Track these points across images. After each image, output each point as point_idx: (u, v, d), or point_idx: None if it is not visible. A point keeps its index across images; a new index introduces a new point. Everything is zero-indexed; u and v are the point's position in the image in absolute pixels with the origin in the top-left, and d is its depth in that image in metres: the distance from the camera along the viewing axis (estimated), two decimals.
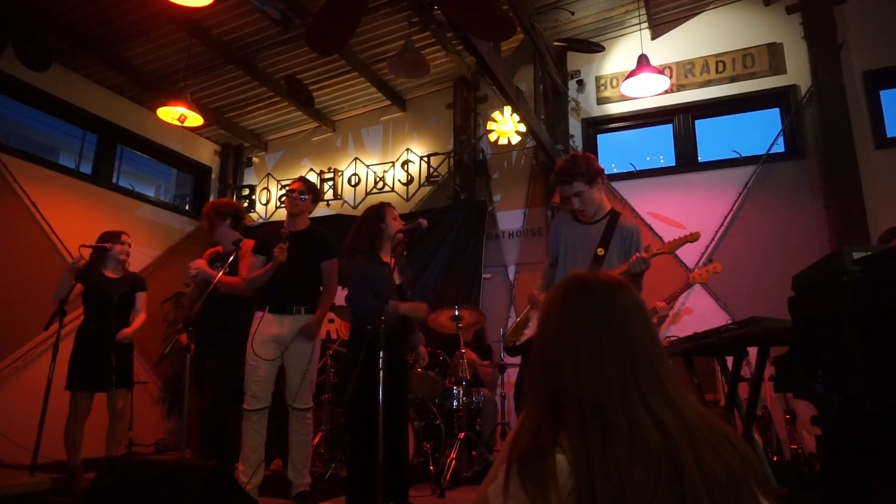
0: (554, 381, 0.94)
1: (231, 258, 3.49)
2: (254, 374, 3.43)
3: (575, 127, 6.06)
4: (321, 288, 3.71)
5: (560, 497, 0.81)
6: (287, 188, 3.77)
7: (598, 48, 5.92)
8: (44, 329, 3.91)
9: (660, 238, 5.26)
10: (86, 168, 6.09)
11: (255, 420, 3.41)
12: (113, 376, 3.93)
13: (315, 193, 3.79)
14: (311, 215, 3.84)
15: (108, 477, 2.23)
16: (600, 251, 2.88)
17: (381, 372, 2.80)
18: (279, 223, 3.73)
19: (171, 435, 6.19)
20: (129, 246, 4.24)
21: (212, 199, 7.37)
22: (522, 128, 5.71)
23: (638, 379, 0.91)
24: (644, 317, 0.99)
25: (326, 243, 3.69)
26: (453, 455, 4.07)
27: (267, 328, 3.48)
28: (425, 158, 6.51)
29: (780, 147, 5.39)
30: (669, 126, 5.88)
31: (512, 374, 5.37)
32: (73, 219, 5.60)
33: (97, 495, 2.19)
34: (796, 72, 5.36)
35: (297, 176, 7.06)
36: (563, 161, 2.98)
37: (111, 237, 4.17)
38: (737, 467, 0.84)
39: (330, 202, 6.84)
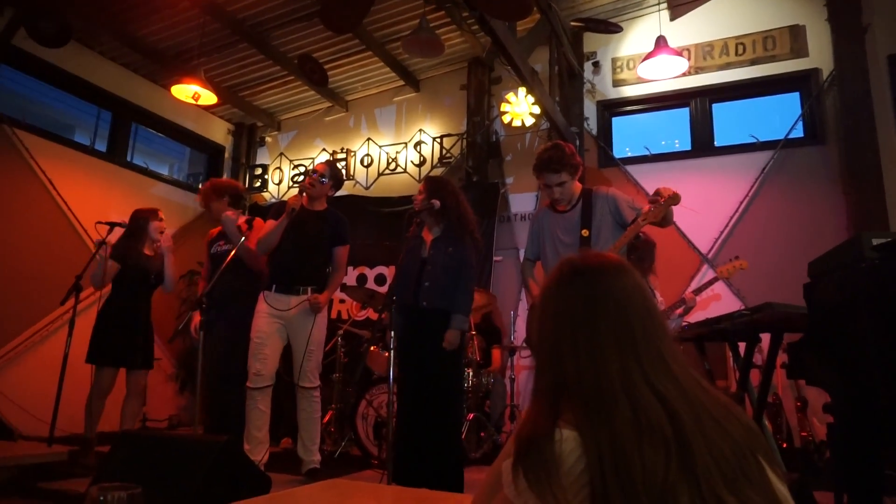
0: (554, 375, 0.93)
1: (244, 236, 3.47)
2: (258, 353, 3.44)
3: (590, 109, 5.99)
4: (329, 270, 3.72)
5: (562, 483, 0.81)
6: (311, 168, 3.76)
7: (615, 29, 5.81)
8: (60, 304, 3.96)
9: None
10: (101, 146, 6.12)
11: (258, 398, 3.42)
12: (138, 355, 3.99)
13: (337, 179, 3.77)
14: None
15: (122, 450, 2.27)
16: (585, 232, 2.91)
17: (392, 352, 2.82)
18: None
19: (183, 410, 6.30)
20: (164, 223, 4.27)
21: (225, 178, 7.40)
22: (536, 109, 5.65)
23: (641, 361, 0.89)
24: (642, 294, 0.97)
25: (341, 228, 3.69)
26: (462, 436, 4.10)
27: (272, 306, 3.50)
28: (438, 139, 6.47)
29: (798, 132, 5.30)
30: (686, 109, 5.79)
31: (519, 358, 5.38)
32: (88, 196, 5.64)
33: (111, 468, 2.23)
34: (818, 55, 5.24)
35: (309, 156, 7.10)
36: (550, 150, 2.97)
37: (147, 213, 4.18)
38: (741, 439, 0.84)
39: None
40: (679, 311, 4.48)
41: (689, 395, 0.87)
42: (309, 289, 3.56)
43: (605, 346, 0.90)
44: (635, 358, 0.89)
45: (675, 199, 2.71)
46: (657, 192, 2.73)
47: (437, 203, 3.17)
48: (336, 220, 3.70)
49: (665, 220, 2.80)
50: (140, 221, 4.16)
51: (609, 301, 0.94)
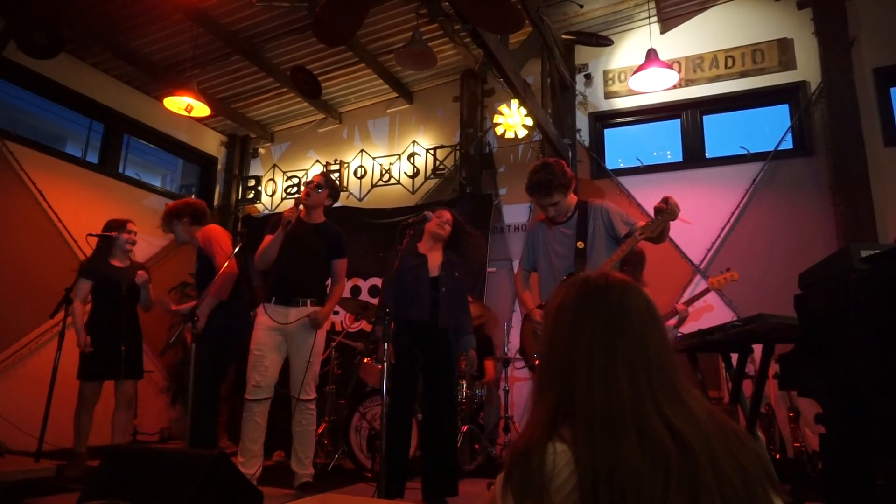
0: (562, 389, 0.91)
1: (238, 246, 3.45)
2: (257, 365, 3.43)
3: (582, 121, 6.03)
4: (328, 283, 3.72)
5: (551, 499, 0.80)
6: (309, 180, 3.79)
7: (606, 42, 5.88)
8: (49, 317, 3.94)
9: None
10: (92, 157, 6.10)
11: (256, 411, 3.40)
12: (122, 366, 3.97)
13: (333, 189, 3.79)
14: None
15: (110, 465, 2.24)
16: (580, 244, 2.94)
17: (385, 365, 2.80)
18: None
19: (175, 424, 6.24)
20: (136, 234, 4.25)
21: (218, 189, 7.39)
22: (529, 121, 5.68)
23: (653, 389, 0.88)
24: (657, 322, 0.97)
25: (339, 242, 3.70)
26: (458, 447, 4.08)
27: (272, 318, 3.48)
28: (431, 151, 6.49)
29: (788, 144, 5.35)
30: (677, 121, 5.84)
31: (513, 369, 5.37)
32: (79, 207, 5.62)
33: (99, 483, 2.20)
34: (806, 68, 5.31)
35: (302, 168, 7.10)
36: (540, 172, 2.95)
37: (117, 225, 4.18)
38: (750, 468, 0.83)
39: None
40: (673, 321, 4.49)
41: (702, 425, 0.86)
42: (308, 301, 3.55)
43: (619, 367, 0.89)
44: (648, 385, 0.88)
45: (673, 213, 2.74)
46: (664, 200, 2.74)
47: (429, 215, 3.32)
48: (334, 233, 3.71)
49: (661, 236, 2.81)
50: (108, 236, 4.16)
51: (628, 324, 0.94)
